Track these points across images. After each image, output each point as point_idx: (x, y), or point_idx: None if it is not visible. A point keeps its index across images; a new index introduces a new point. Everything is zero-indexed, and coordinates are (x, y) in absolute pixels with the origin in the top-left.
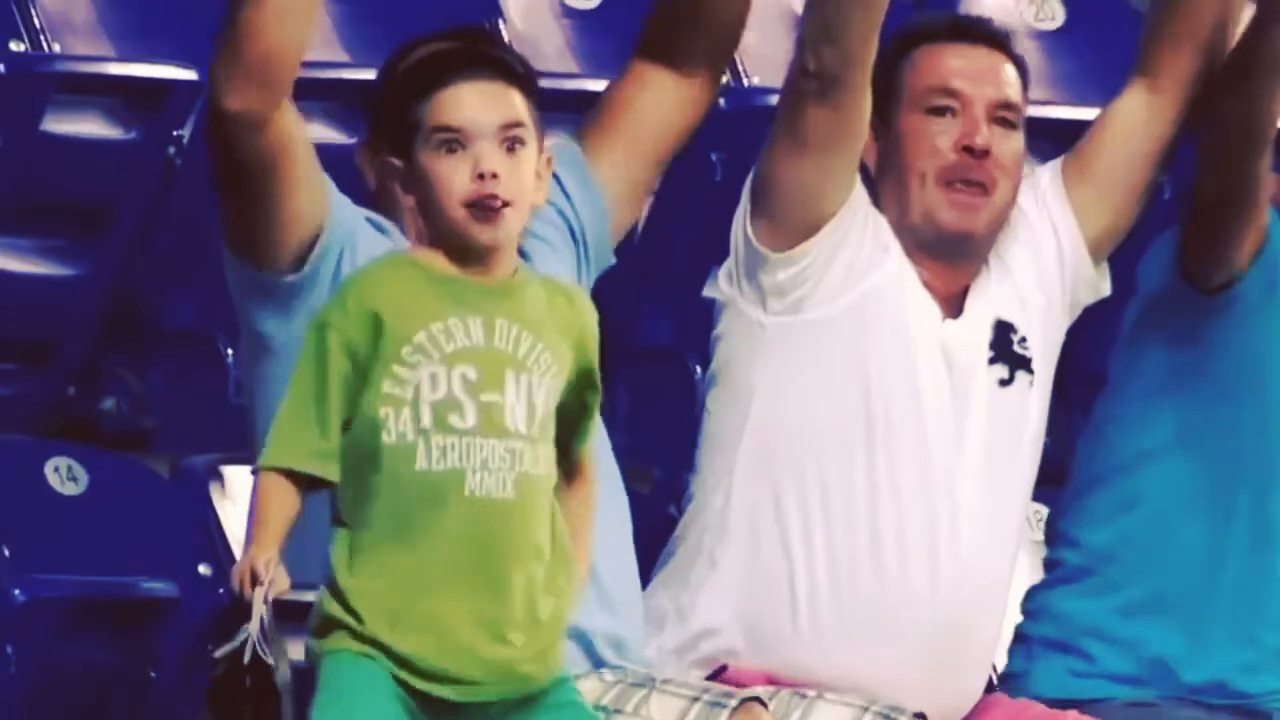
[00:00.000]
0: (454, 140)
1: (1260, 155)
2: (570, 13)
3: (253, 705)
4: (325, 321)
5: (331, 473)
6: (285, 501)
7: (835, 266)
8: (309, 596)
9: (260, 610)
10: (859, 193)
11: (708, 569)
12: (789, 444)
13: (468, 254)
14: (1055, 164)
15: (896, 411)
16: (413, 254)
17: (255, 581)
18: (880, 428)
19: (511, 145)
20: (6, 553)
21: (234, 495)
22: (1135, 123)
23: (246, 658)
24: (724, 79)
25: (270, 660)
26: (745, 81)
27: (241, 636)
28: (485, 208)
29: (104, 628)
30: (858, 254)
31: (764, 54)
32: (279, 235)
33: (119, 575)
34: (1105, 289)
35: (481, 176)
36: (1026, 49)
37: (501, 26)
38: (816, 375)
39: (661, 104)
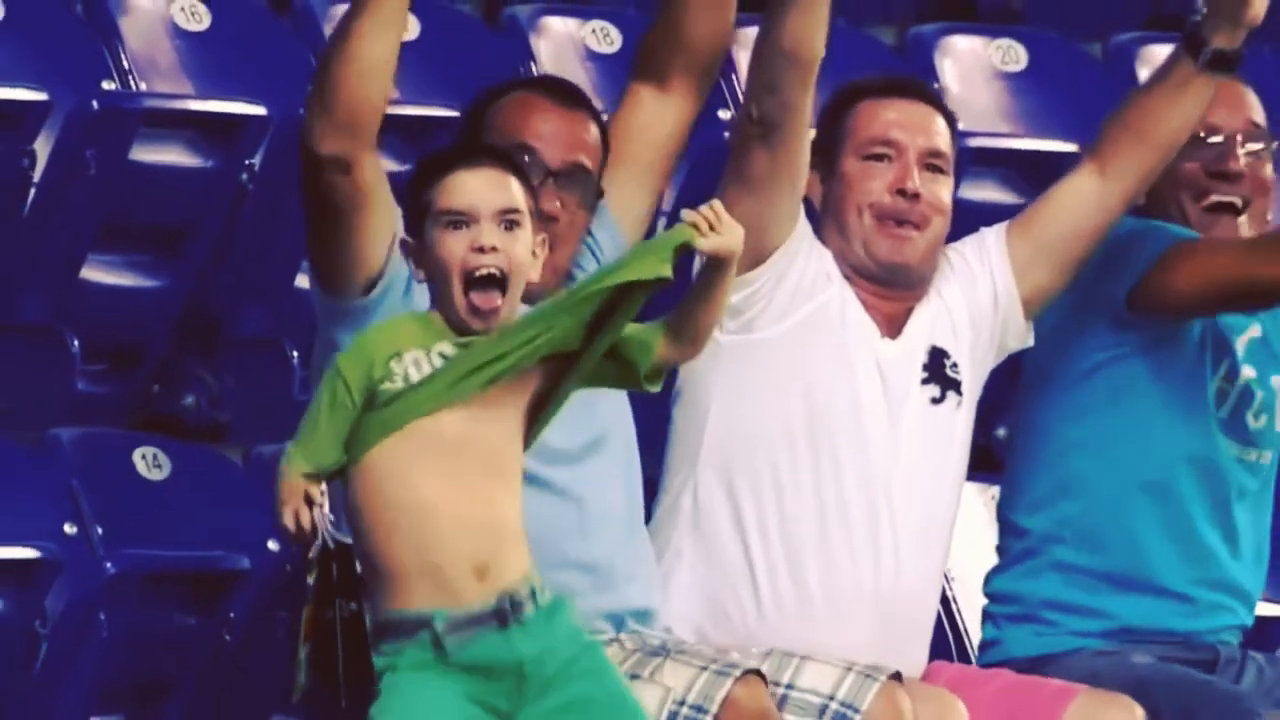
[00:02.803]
0: (459, 220)
1: None
2: (593, 56)
3: (341, 595)
4: (337, 367)
5: (325, 470)
6: (305, 482)
7: (782, 291)
8: None
9: (323, 518)
10: (802, 225)
11: (676, 561)
12: (744, 448)
13: (467, 330)
14: (1001, 226)
15: (838, 419)
16: (425, 312)
17: (311, 503)
18: (824, 433)
19: (509, 226)
20: (100, 531)
21: None
22: (1082, 201)
23: (331, 544)
24: (727, 114)
25: (348, 540)
26: None
27: (321, 537)
28: (484, 281)
29: (184, 596)
30: (802, 280)
31: None
32: (350, 270)
33: (198, 550)
34: (1030, 341)
35: (481, 250)
36: (993, 89)
37: (534, 68)
38: (766, 387)
39: (654, 122)
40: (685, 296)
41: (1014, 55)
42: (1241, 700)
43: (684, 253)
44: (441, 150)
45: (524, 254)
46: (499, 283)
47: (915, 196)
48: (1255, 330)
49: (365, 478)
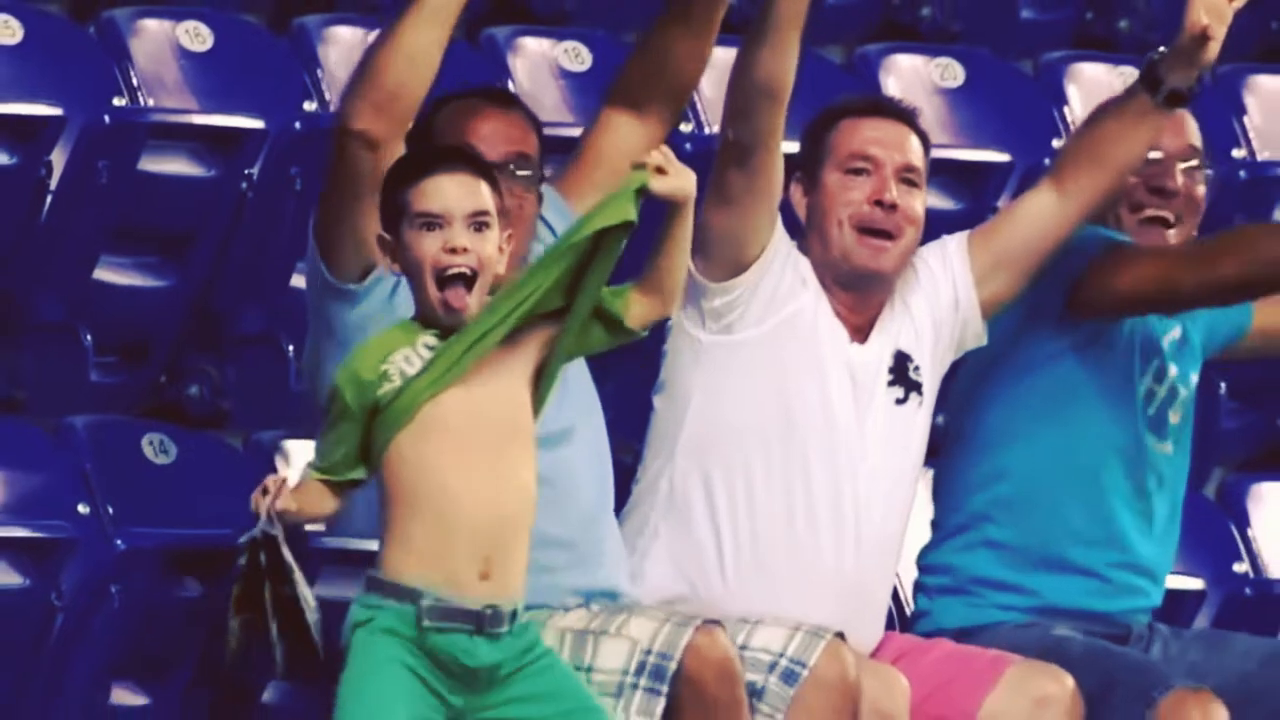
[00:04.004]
0: (433, 221)
1: None
2: (565, 74)
3: (270, 579)
4: (336, 386)
5: (339, 478)
6: (314, 491)
7: (760, 296)
8: (361, 545)
9: (269, 508)
10: (779, 237)
11: (652, 539)
12: (719, 439)
13: (442, 324)
14: (963, 235)
15: (808, 415)
16: (404, 321)
17: (265, 492)
18: (794, 428)
19: (479, 228)
20: (111, 511)
21: (294, 464)
22: (1040, 216)
23: (259, 534)
24: (689, 127)
25: (275, 532)
26: (706, 129)
27: (256, 526)
28: (455, 279)
29: (189, 572)
30: (779, 287)
31: (722, 106)
32: (354, 252)
33: (201, 529)
34: (985, 340)
35: (453, 251)
36: (933, 103)
37: (510, 85)
38: (743, 384)
39: (625, 146)
40: (651, 251)
41: (952, 73)
42: (1155, 668)
43: (643, 197)
44: (416, 154)
45: (492, 252)
46: (468, 281)
47: (893, 207)
48: (1176, 332)
49: (389, 470)
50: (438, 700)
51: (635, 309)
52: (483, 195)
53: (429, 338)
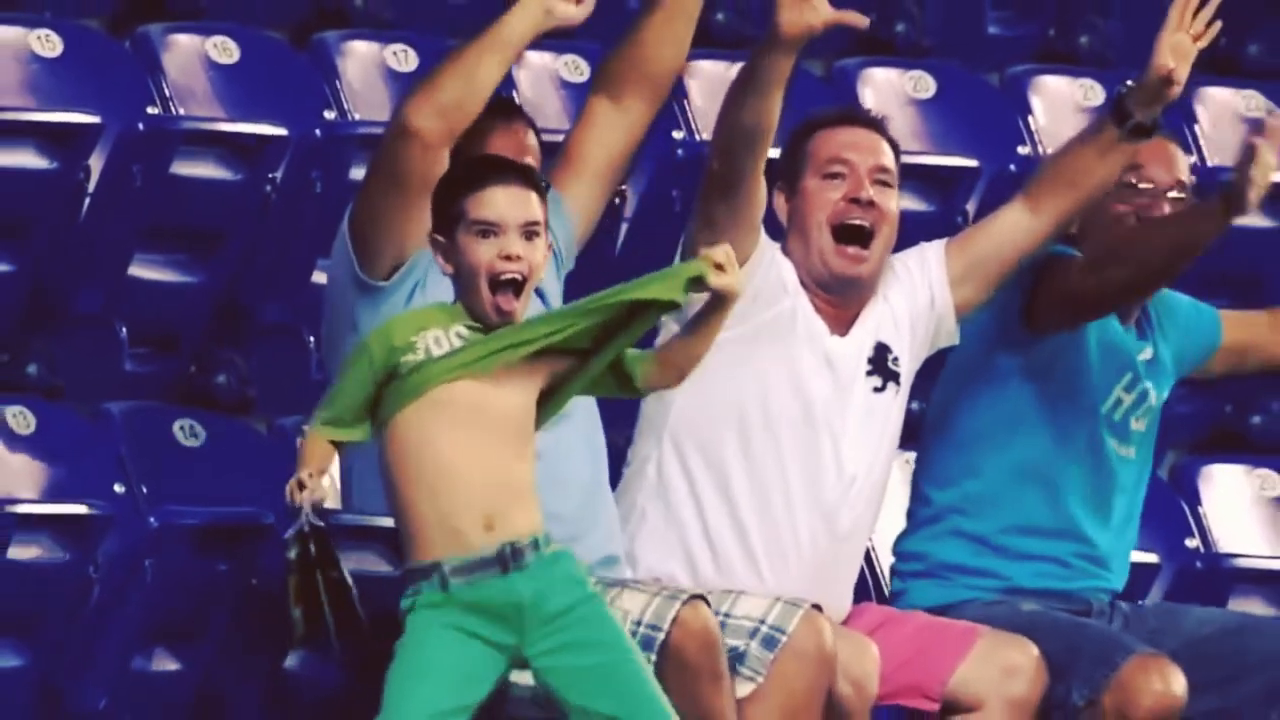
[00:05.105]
0: (489, 229)
1: None
2: (565, 85)
3: (320, 566)
4: (365, 341)
5: (342, 435)
6: (321, 448)
7: (742, 300)
8: (378, 521)
9: (309, 501)
10: (760, 248)
11: (641, 521)
12: (702, 428)
13: (484, 320)
14: (940, 242)
15: (785, 405)
16: (446, 304)
17: (302, 487)
18: (772, 417)
19: (530, 236)
20: (145, 490)
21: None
22: (1012, 231)
23: (306, 528)
24: (680, 134)
25: (322, 524)
26: (696, 135)
27: (300, 520)
28: (507, 284)
29: (218, 547)
30: (759, 293)
31: (711, 115)
32: (387, 249)
33: (229, 507)
34: (957, 339)
35: (508, 258)
36: (906, 113)
37: (515, 94)
38: (726, 380)
39: (607, 134)
40: (682, 329)
41: (924, 84)
42: (1118, 637)
43: (696, 286)
44: (474, 163)
45: (540, 259)
46: (519, 286)
47: (870, 204)
48: (1147, 352)
49: (391, 440)
50: (489, 646)
51: (649, 376)
52: (534, 206)
53: (463, 328)
